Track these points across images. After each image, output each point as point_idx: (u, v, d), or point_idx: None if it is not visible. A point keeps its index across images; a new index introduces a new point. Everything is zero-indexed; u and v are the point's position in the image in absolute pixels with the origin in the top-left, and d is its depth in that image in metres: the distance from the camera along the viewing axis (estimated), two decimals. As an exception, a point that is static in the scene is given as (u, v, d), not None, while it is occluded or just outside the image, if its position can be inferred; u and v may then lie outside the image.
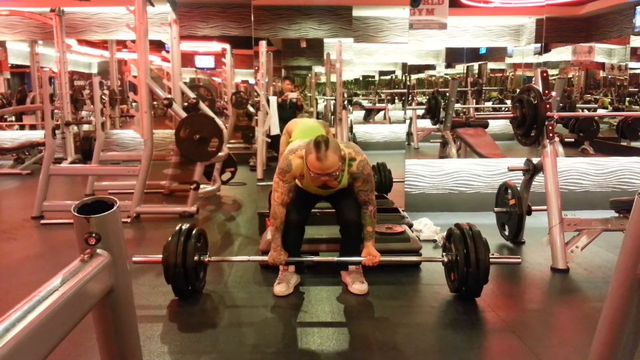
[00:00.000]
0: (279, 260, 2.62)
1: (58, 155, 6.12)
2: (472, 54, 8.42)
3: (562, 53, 7.71)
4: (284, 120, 4.98)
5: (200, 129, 4.19)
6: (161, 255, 2.54)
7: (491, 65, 9.04)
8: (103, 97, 6.36)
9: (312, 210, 3.31)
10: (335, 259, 2.73)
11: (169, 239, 2.57)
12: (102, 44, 8.77)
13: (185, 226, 2.64)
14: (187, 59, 8.72)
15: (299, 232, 2.76)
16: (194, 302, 2.61)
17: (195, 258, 2.57)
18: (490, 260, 2.49)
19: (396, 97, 9.65)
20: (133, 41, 4.15)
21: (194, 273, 2.57)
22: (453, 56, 8.58)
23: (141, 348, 1.38)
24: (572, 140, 6.39)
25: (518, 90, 3.90)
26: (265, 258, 2.67)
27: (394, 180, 4.41)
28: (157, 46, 6.32)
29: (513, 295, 2.79)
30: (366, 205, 2.62)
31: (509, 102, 8.22)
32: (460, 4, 6.47)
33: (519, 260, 2.74)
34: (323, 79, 8.49)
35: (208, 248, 2.79)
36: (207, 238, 2.79)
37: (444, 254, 2.68)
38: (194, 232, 2.63)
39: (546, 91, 3.17)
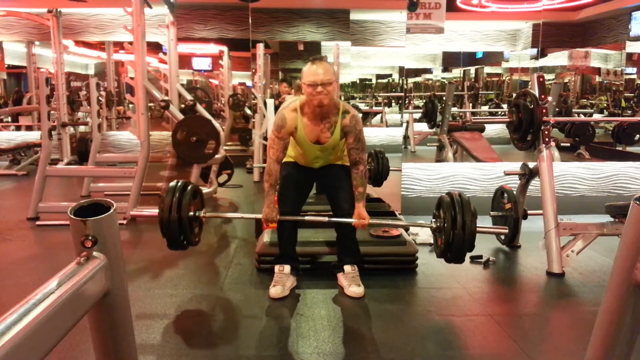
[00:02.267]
0: (272, 217, 2.65)
1: (54, 156, 6.10)
2: (469, 58, 8.47)
3: (558, 58, 7.77)
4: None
5: (197, 131, 4.19)
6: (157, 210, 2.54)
7: (488, 69, 9.09)
8: (100, 98, 6.33)
9: (309, 213, 3.33)
10: (327, 219, 2.72)
11: (165, 194, 2.56)
12: (99, 46, 8.76)
13: (180, 182, 2.63)
14: (185, 61, 8.72)
15: (293, 225, 2.77)
16: (189, 304, 2.61)
17: (191, 213, 2.57)
18: (477, 228, 2.47)
19: (393, 101, 9.68)
20: (130, 43, 4.14)
21: (189, 227, 2.56)
22: (450, 60, 8.63)
23: (136, 350, 1.37)
24: (568, 144, 6.43)
25: (514, 95, 3.92)
26: (259, 216, 2.71)
27: (391, 168, 4.29)
28: (155, 48, 6.31)
29: (509, 299, 2.79)
30: (357, 165, 2.66)
31: (505, 106, 8.27)
32: (458, 9, 6.50)
33: (506, 230, 2.76)
34: (320, 82, 8.47)
35: (204, 204, 2.77)
36: (202, 195, 2.77)
37: (433, 220, 2.68)
38: (189, 187, 2.62)
39: (542, 96, 3.18)
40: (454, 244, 2.45)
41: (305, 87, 2.49)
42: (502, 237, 3.57)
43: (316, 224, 3.26)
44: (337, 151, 2.75)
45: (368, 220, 2.63)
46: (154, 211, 2.58)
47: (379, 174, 4.22)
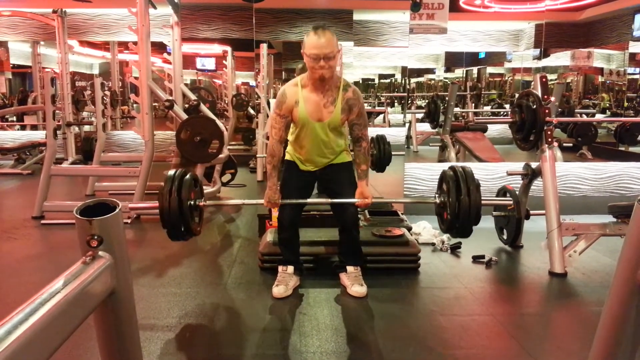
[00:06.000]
0: (274, 199, 2.60)
1: (59, 155, 6.13)
2: (472, 59, 8.46)
3: (560, 58, 7.75)
4: None
5: (201, 130, 4.20)
6: (157, 202, 2.46)
7: (490, 69, 9.08)
8: (104, 98, 6.36)
9: (312, 213, 3.34)
10: (330, 200, 2.67)
11: (163, 184, 2.48)
12: (104, 46, 8.80)
13: (179, 171, 2.55)
14: (189, 61, 8.75)
15: (294, 226, 2.75)
16: (193, 303, 2.62)
17: (191, 202, 2.51)
18: (482, 201, 2.46)
19: (396, 101, 9.67)
20: (135, 43, 4.16)
21: (190, 216, 2.49)
22: (452, 60, 8.62)
23: (141, 349, 1.39)
24: (571, 145, 6.42)
25: (517, 95, 3.92)
26: (261, 201, 2.66)
27: (393, 153, 4.24)
28: (159, 48, 6.35)
29: (511, 299, 2.80)
30: (359, 142, 2.63)
31: (507, 106, 8.26)
32: (460, 9, 6.50)
33: (511, 201, 2.72)
34: (323, 82, 8.48)
35: (203, 193, 2.70)
36: (201, 183, 2.72)
37: (436, 195, 2.66)
38: (187, 177, 2.53)
39: (545, 96, 3.19)
40: (460, 216, 2.43)
41: (307, 57, 2.42)
42: (505, 237, 3.58)
43: (318, 224, 3.28)
44: (337, 138, 2.65)
45: (371, 199, 2.60)
46: (153, 203, 2.51)
47: (381, 160, 4.13)
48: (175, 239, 2.54)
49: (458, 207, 2.43)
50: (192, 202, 2.51)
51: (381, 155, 4.12)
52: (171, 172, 2.53)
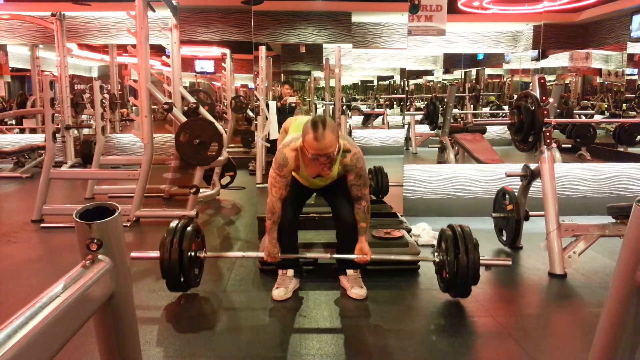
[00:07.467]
0: (274, 253, 2.62)
1: (58, 158, 6.12)
2: (470, 60, 8.47)
3: (559, 59, 7.76)
4: (282, 124, 5.01)
5: (200, 133, 4.20)
6: (158, 252, 2.55)
7: (489, 71, 9.09)
8: (103, 101, 6.35)
9: (311, 215, 3.34)
10: (329, 255, 2.75)
11: (165, 234, 2.57)
12: (103, 48, 8.80)
13: (181, 222, 2.63)
14: (187, 64, 8.76)
15: (293, 229, 2.77)
16: (193, 306, 2.62)
17: (192, 254, 2.58)
18: (481, 261, 2.49)
19: (395, 102, 9.68)
20: (134, 46, 4.17)
21: (190, 268, 2.58)
22: (451, 62, 8.63)
23: (141, 352, 1.38)
24: (569, 146, 6.43)
25: (515, 96, 3.93)
26: (260, 254, 2.69)
27: (390, 184, 4.40)
28: (158, 51, 6.35)
29: (511, 300, 2.80)
30: (359, 201, 2.62)
31: (506, 107, 8.27)
32: (459, 11, 6.51)
33: (510, 262, 2.73)
34: (322, 84, 8.52)
35: (205, 244, 2.79)
36: (203, 234, 2.79)
37: (435, 253, 2.69)
38: (189, 228, 2.62)
39: (543, 97, 3.19)
40: (459, 280, 2.47)
41: (307, 151, 2.38)
42: (504, 238, 3.58)
43: (317, 225, 3.28)
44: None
45: (370, 255, 2.61)
46: (154, 253, 2.57)
47: (379, 190, 4.32)
48: (174, 290, 2.64)
49: (456, 265, 2.46)
50: (192, 254, 2.59)
51: (378, 187, 4.32)
52: (174, 223, 2.62)
